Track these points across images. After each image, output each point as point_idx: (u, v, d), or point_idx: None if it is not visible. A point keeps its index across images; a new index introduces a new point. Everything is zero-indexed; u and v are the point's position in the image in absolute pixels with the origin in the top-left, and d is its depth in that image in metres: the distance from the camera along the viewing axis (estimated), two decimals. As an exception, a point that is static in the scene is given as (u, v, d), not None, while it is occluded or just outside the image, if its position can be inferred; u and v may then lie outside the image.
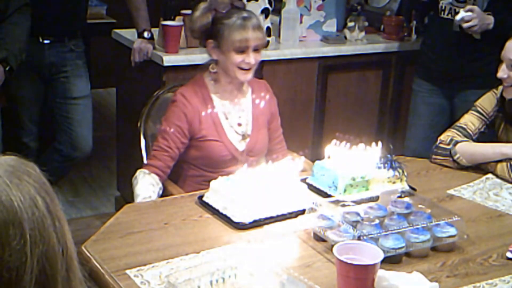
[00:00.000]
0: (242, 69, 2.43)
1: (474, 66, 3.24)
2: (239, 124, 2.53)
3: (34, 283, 0.89)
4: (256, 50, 2.43)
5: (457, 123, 2.63)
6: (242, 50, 2.40)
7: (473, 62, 3.24)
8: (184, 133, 2.45)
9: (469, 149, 2.51)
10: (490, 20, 3.09)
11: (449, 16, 3.23)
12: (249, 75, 2.46)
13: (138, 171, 2.44)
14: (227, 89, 2.52)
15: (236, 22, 2.39)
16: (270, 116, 2.63)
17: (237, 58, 2.40)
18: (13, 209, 0.90)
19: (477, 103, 2.64)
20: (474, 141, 2.57)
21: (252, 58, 2.42)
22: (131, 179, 2.43)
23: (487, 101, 2.62)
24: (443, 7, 3.25)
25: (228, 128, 2.50)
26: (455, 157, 2.51)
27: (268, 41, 3.39)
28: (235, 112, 2.53)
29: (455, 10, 3.18)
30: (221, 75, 2.49)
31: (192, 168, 2.52)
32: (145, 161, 2.60)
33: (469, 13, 3.04)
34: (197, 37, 2.54)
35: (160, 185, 2.40)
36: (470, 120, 2.60)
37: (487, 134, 2.61)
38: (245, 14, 2.42)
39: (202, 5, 2.48)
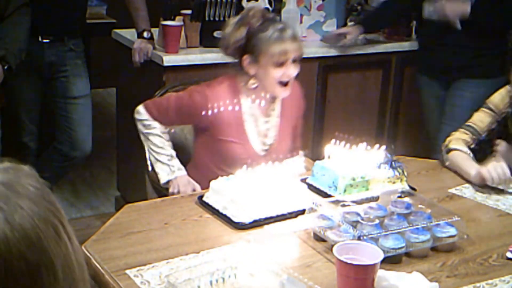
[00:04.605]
0: (281, 83, 2.35)
1: (461, 58, 3.34)
2: (265, 135, 2.46)
3: None
4: (294, 61, 2.35)
5: (466, 122, 2.60)
6: (281, 63, 2.32)
7: (459, 55, 3.33)
8: (185, 121, 2.45)
9: (457, 162, 2.48)
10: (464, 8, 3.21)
11: None
12: (288, 91, 2.38)
13: (143, 116, 2.44)
14: (260, 96, 2.43)
15: (273, 34, 2.30)
16: (296, 121, 2.58)
17: (277, 72, 2.32)
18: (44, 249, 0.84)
19: (489, 100, 2.61)
20: (483, 139, 2.54)
21: (292, 70, 2.34)
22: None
23: (499, 98, 2.58)
24: None
25: (252, 133, 2.43)
26: (446, 164, 2.52)
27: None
28: (263, 119, 2.46)
29: None
30: (259, 88, 2.40)
31: (210, 168, 2.43)
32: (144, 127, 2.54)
33: (431, 8, 3.28)
34: (230, 54, 2.40)
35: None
36: (479, 118, 2.57)
37: (498, 131, 2.59)
38: (281, 26, 2.34)
39: (232, 20, 2.39)
